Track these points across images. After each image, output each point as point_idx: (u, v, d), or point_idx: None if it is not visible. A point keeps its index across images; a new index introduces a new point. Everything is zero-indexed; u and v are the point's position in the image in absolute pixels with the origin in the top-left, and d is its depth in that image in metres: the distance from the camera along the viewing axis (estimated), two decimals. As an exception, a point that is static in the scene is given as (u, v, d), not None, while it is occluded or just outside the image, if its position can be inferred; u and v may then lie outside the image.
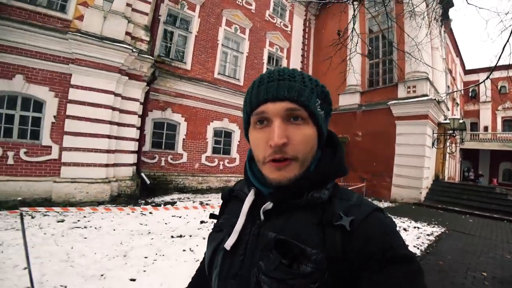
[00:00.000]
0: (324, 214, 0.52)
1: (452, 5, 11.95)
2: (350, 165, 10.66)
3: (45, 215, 4.94)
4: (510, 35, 3.18)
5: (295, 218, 0.54)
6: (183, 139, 8.85)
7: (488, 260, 4.22)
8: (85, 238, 3.94)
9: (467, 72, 25.03)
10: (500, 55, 3.39)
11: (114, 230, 4.42)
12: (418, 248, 4.48)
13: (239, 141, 10.34)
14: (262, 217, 0.57)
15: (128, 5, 7.08)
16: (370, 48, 11.21)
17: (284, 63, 12.47)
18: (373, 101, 10.68)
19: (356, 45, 4.77)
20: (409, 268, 0.45)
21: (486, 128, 23.52)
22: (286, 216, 0.55)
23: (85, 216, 5.09)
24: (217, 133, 9.83)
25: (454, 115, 12.32)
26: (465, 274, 3.63)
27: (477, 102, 24.75)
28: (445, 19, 13.56)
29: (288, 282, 0.48)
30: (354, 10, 4.63)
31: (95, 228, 4.44)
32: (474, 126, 24.37)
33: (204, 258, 0.73)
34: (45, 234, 3.96)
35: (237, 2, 10.62)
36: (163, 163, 8.38)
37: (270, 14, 11.87)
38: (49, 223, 4.51)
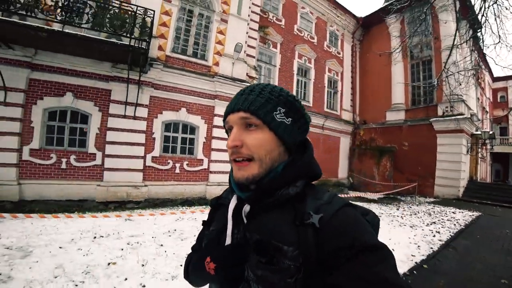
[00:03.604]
0: (297, 213, 0.61)
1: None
2: (398, 169, 13.76)
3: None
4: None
5: (272, 218, 0.63)
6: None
7: None
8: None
9: (495, 79, 27.42)
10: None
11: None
12: (466, 221, 7.61)
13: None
14: (245, 220, 0.68)
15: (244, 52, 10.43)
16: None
17: (339, 85, 15.74)
18: (417, 117, 13.73)
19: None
20: (375, 256, 0.52)
21: (516, 133, 25.71)
22: (264, 216, 0.65)
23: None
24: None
25: (485, 128, 15.18)
26: (496, 230, 6.75)
27: (506, 107, 27.03)
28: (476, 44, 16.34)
29: (268, 278, 0.57)
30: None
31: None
32: (504, 131, 26.66)
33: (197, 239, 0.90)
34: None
35: (304, 37, 13.94)
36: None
37: (327, 44, 15.14)
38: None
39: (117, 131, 7.61)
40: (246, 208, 0.67)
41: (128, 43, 6.51)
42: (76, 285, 3.01)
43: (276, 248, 0.57)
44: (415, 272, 3.95)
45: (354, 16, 16.37)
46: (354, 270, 0.50)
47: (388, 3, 10.82)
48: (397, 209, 9.17)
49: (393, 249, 4.71)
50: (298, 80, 13.63)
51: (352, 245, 0.52)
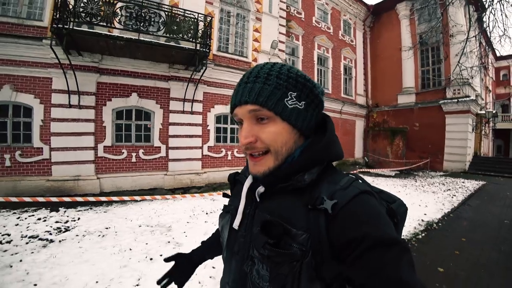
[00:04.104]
0: (310, 197, 0.59)
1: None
2: (410, 148, 15.30)
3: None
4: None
5: (285, 201, 0.62)
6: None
7: (512, 192, 8.91)
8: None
9: (498, 58, 28.50)
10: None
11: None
12: (474, 188, 9.17)
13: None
14: (258, 199, 0.68)
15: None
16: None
17: (353, 72, 17.03)
18: (426, 100, 15.12)
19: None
20: (389, 252, 0.49)
21: (517, 109, 27.06)
22: (278, 198, 0.64)
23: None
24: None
25: (488, 106, 16.59)
26: (499, 193, 8.36)
27: (508, 85, 28.31)
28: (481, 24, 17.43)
29: (273, 259, 0.56)
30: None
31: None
32: (506, 108, 27.94)
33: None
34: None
35: (321, 28, 15.06)
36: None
37: (342, 33, 16.27)
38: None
39: (177, 126, 8.40)
40: (261, 189, 0.66)
41: (193, 47, 7.70)
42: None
43: (285, 230, 0.57)
44: (445, 218, 5.61)
45: (364, 4, 17.39)
46: (366, 266, 0.49)
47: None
48: (415, 181, 10.74)
49: (426, 206, 6.34)
50: (318, 69, 14.91)
51: (364, 238, 0.50)
